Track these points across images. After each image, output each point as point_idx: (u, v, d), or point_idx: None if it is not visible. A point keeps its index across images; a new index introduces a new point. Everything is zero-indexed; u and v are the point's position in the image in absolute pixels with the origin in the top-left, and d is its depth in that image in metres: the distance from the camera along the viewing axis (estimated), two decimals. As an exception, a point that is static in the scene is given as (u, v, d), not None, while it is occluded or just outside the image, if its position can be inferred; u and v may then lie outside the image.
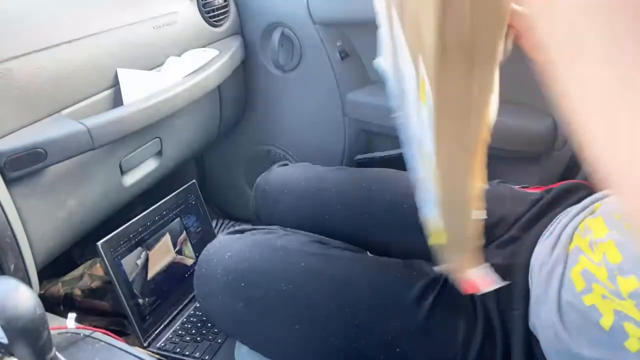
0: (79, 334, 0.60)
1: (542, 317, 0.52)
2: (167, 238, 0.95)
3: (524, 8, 0.28)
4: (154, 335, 0.89)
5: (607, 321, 0.46)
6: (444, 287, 0.58)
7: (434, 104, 0.37)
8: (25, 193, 0.67)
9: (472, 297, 0.57)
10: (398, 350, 0.56)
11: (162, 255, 0.93)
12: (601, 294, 0.47)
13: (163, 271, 0.93)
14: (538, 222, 0.61)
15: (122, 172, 0.85)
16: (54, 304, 0.97)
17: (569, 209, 0.59)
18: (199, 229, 1.02)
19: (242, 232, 0.69)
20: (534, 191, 0.70)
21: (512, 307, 0.55)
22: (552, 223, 0.59)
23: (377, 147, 1.12)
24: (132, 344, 0.63)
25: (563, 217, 0.58)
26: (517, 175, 0.87)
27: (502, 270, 0.54)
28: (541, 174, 0.92)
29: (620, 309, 0.45)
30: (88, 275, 1.00)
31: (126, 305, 0.85)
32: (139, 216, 0.90)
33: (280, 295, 0.59)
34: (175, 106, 0.85)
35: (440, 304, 0.57)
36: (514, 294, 0.56)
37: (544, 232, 0.58)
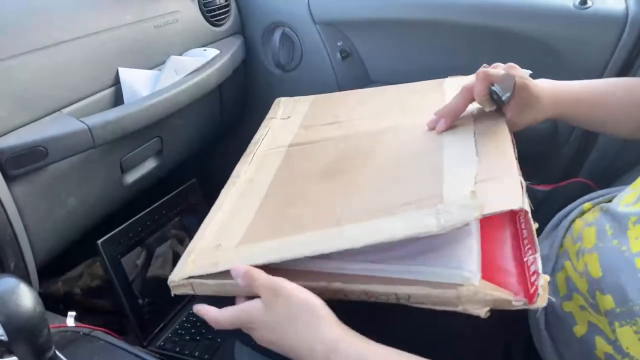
0: (78, 332, 0.60)
1: (530, 315, 0.53)
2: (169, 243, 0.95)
3: None
4: (153, 334, 0.88)
5: (580, 330, 0.47)
6: None
7: None
8: (26, 191, 0.67)
9: None
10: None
11: (164, 263, 0.93)
12: (579, 304, 0.47)
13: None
14: (541, 220, 0.61)
15: (123, 171, 0.85)
16: (54, 303, 0.96)
17: (568, 207, 0.60)
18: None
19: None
20: (542, 188, 0.71)
21: None
22: (551, 221, 0.59)
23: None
24: (131, 343, 0.63)
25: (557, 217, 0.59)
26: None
27: None
28: (542, 172, 0.92)
29: (596, 322, 0.45)
30: (88, 274, 0.99)
31: (126, 304, 0.85)
32: (139, 215, 0.90)
33: None
34: (176, 105, 0.85)
35: None
36: None
37: (543, 230, 0.59)
